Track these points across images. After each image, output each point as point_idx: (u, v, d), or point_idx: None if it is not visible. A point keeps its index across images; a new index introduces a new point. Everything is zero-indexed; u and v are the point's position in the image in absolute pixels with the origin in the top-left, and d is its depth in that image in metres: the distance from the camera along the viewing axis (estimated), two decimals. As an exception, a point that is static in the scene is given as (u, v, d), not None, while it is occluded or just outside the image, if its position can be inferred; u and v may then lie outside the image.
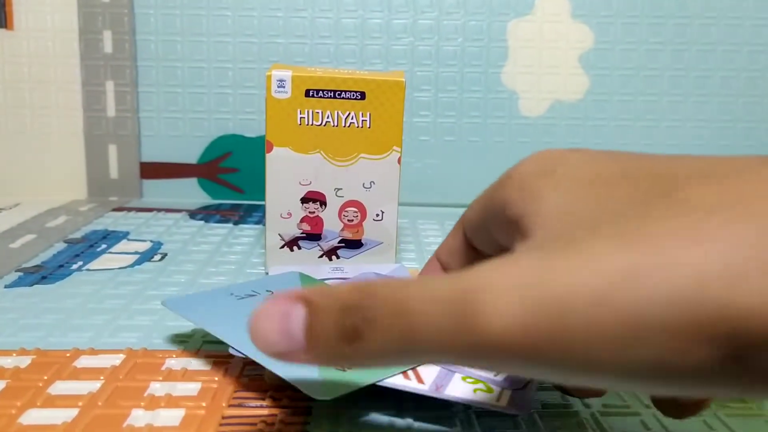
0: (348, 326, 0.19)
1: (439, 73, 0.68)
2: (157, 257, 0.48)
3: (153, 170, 0.68)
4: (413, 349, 0.19)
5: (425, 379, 0.29)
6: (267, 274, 0.45)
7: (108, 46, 0.66)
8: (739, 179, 0.17)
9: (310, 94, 0.43)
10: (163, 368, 0.32)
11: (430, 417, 0.28)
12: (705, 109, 0.69)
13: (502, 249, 0.24)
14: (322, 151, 0.44)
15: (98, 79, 0.66)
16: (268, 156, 0.44)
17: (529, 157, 0.23)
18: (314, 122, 0.44)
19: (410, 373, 0.30)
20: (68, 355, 0.33)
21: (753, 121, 0.69)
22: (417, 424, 0.28)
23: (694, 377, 0.16)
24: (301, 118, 0.44)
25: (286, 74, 0.43)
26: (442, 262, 0.30)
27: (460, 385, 0.29)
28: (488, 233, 0.26)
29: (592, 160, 0.21)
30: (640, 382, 0.16)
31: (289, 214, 0.45)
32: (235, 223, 0.58)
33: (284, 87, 0.43)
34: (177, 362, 0.33)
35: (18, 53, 0.65)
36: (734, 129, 0.69)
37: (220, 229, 0.56)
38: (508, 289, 0.17)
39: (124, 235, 0.53)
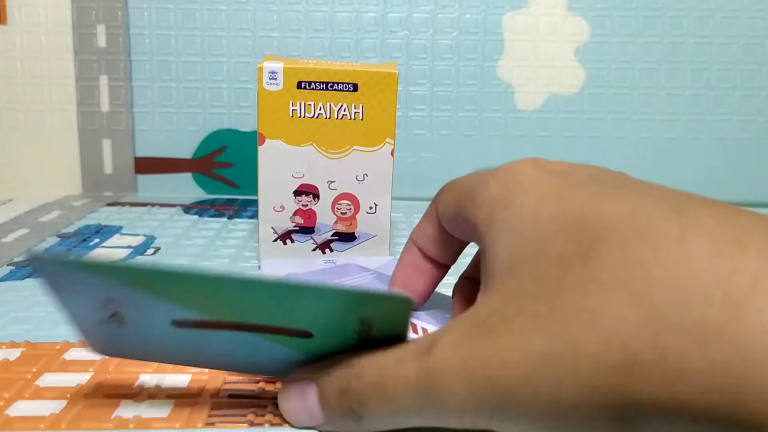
0: (348, 409, 0.23)
1: (435, 67, 0.67)
2: (149, 251, 0.48)
3: (147, 165, 0.68)
4: (401, 422, 0.22)
5: None
6: (260, 267, 0.45)
7: (102, 41, 0.66)
8: (650, 242, 0.19)
9: (302, 86, 0.43)
10: (153, 360, 0.32)
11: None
12: (701, 101, 0.69)
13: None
14: (314, 144, 0.44)
15: (92, 74, 0.66)
16: (260, 148, 0.44)
17: (497, 174, 0.25)
18: (306, 114, 0.43)
19: None
20: (58, 347, 0.33)
21: (749, 114, 0.69)
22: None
23: None
24: (293, 110, 0.43)
25: (278, 66, 0.43)
26: (420, 248, 0.31)
27: None
28: (462, 230, 0.28)
29: (543, 196, 0.23)
30: None
31: (282, 207, 0.45)
32: (230, 218, 0.58)
33: (276, 79, 0.43)
34: (167, 354, 0.32)
35: (11, 48, 0.65)
36: (730, 122, 0.69)
37: (214, 224, 0.56)
38: (459, 369, 0.20)
39: (117, 230, 0.53)
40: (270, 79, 0.43)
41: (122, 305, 0.23)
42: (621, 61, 0.68)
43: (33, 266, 0.24)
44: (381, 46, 0.67)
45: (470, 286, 0.31)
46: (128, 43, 0.66)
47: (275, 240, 0.45)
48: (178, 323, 0.24)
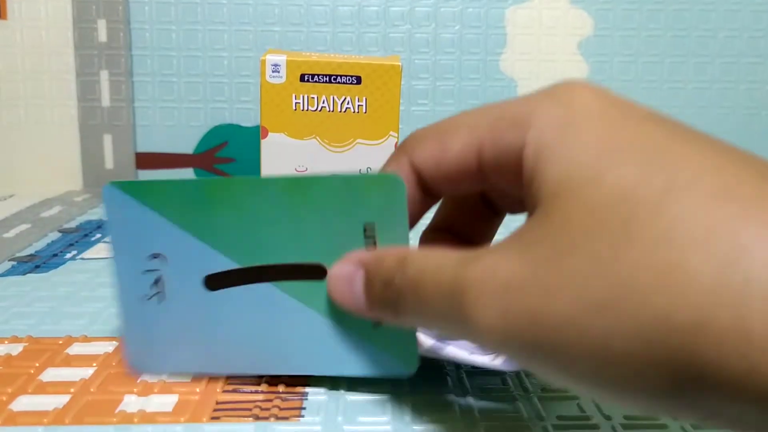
0: (388, 301, 0.23)
1: (437, 61, 0.67)
2: (152, 246, 0.48)
3: (148, 160, 0.67)
4: (432, 325, 0.23)
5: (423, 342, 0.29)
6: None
7: (102, 36, 0.65)
8: (738, 201, 0.17)
9: (305, 78, 0.43)
10: (157, 355, 0.32)
11: (423, 378, 0.28)
12: (705, 95, 0.68)
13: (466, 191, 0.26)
14: (317, 137, 0.44)
15: (92, 69, 0.66)
16: (263, 142, 0.43)
17: (553, 95, 0.21)
18: (309, 107, 0.43)
19: None
20: (61, 342, 0.33)
21: (754, 108, 0.69)
22: (411, 389, 0.28)
23: (653, 403, 0.17)
24: (296, 103, 0.43)
25: (281, 59, 0.43)
26: None
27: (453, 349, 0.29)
28: (473, 178, 0.24)
29: (613, 122, 0.20)
30: (609, 396, 0.18)
31: (285, 201, 0.44)
32: (232, 213, 0.58)
33: (279, 72, 0.43)
34: (171, 349, 0.32)
35: (11, 43, 0.65)
36: (735, 115, 0.69)
37: (217, 219, 0.56)
38: (494, 294, 0.19)
39: (119, 225, 0.53)
40: (273, 71, 0.43)
41: (165, 262, 0.27)
42: (624, 54, 0.68)
43: (105, 195, 0.26)
44: (383, 40, 0.67)
45: (439, 238, 0.29)
46: (129, 38, 0.66)
47: (278, 234, 0.45)
48: (211, 281, 0.27)
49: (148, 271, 0.27)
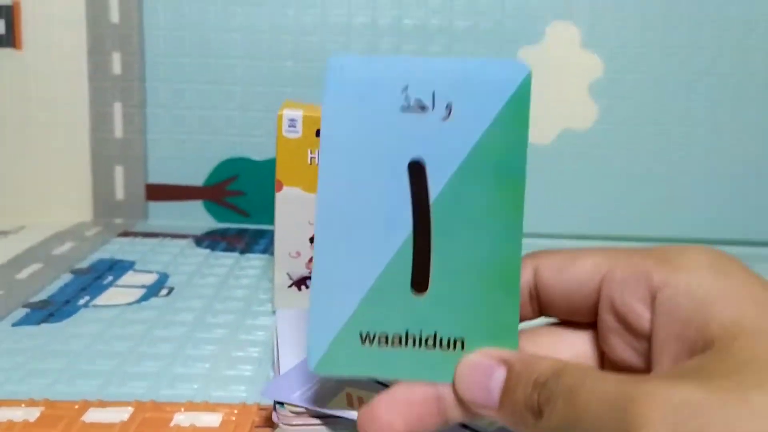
0: (534, 402, 0.22)
1: (448, 100, 0.67)
2: (163, 292, 0.48)
3: (159, 192, 0.68)
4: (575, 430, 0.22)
5: None
6: (274, 312, 0.45)
7: (117, 67, 0.66)
8: None
9: (322, 134, 0.43)
10: (172, 424, 0.32)
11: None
12: (714, 139, 0.69)
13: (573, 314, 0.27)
14: (332, 192, 0.44)
15: (106, 100, 0.66)
16: (277, 195, 0.44)
17: (696, 248, 0.24)
18: (325, 163, 0.43)
19: None
20: (77, 407, 0.33)
21: (763, 154, 0.69)
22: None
23: None
24: (311, 158, 0.43)
25: (297, 114, 0.43)
26: None
27: None
28: (588, 296, 0.26)
29: (756, 280, 0.23)
30: None
31: (298, 254, 0.45)
32: (242, 252, 0.58)
33: (295, 126, 0.43)
34: (185, 417, 0.33)
35: (26, 73, 0.65)
36: (744, 161, 0.69)
37: (227, 259, 0.56)
38: (668, 413, 0.19)
39: (131, 266, 0.53)
40: (289, 126, 0.43)
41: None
42: (634, 97, 0.68)
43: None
44: (395, 78, 0.67)
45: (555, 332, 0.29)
46: (143, 70, 0.66)
47: (290, 286, 0.45)
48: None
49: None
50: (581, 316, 0.27)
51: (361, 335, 0.26)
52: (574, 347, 0.27)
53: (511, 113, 0.26)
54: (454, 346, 0.26)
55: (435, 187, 0.26)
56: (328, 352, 0.26)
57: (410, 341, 0.26)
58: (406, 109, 0.26)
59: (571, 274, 0.26)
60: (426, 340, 0.26)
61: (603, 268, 0.25)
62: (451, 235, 0.26)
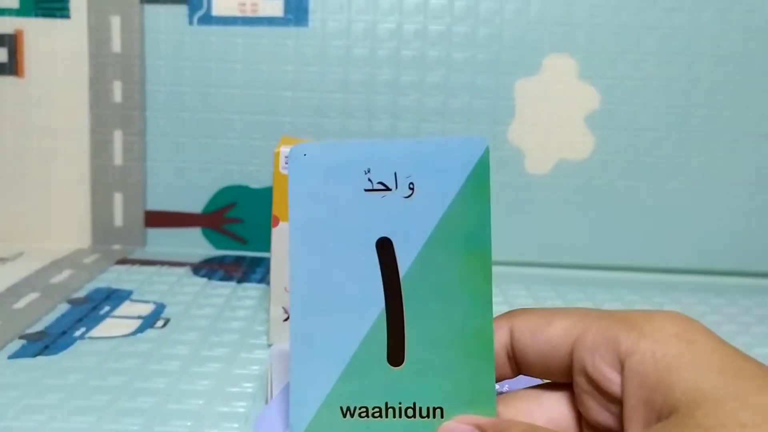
0: None
1: (447, 129, 0.68)
2: (159, 323, 0.48)
3: (158, 219, 0.68)
4: None
5: None
6: (270, 346, 0.45)
7: (118, 96, 0.66)
8: None
9: (318, 171, 0.44)
10: (165, 464, 0.32)
11: None
12: (710, 170, 0.69)
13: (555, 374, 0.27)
14: (328, 227, 0.44)
15: (106, 128, 0.67)
16: (274, 230, 0.44)
17: (663, 314, 0.25)
18: (321, 198, 0.44)
19: None
20: (70, 445, 0.33)
21: (758, 185, 0.69)
22: None
23: None
24: (308, 193, 0.44)
25: (295, 150, 0.43)
26: None
27: None
28: (562, 359, 0.27)
29: (723, 349, 0.24)
30: None
31: (294, 288, 0.45)
32: (239, 281, 0.58)
33: (292, 162, 0.44)
34: (178, 456, 0.33)
35: (27, 100, 0.66)
36: (741, 191, 0.69)
37: (224, 288, 0.56)
38: None
39: (128, 295, 0.54)
40: (286, 163, 0.44)
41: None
42: (631, 129, 0.69)
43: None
44: (393, 107, 0.68)
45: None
46: (144, 99, 0.67)
47: (286, 320, 0.45)
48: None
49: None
50: (558, 377, 0.27)
51: (341, 409, 0.27)
52: (550, 410, 0.28)
53: (472, 187, 0.27)
54: (434, 415, 0.27)
55: (404, 263, 0.27)
56: (311, 426, 0.27)
57: (390, 412, 0.27)
58: (370, 190, 0.27)
59: (545, 337, 0.27)
60: (406, 411, 0.27)
61: (575, 332, 0.26)
62: (422, 307, 0.27)
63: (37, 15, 0.65)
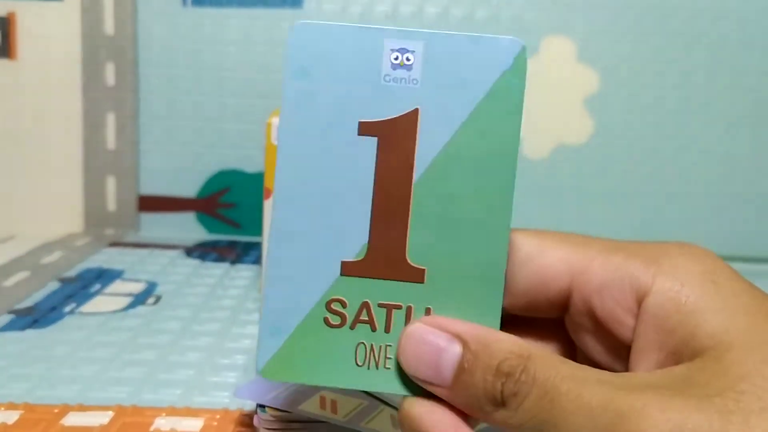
0: (498, 392, 0.20)
1: (442, 113, 0.67)
2: (151, 300, 0.48)
3: (151, 203, 0.67)
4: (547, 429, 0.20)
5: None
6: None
7: (110, 78, 0.65)
8: None
9: (311, 141, 0.43)
10: (152, 429, 0.31)
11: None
12: (709, 154, 0.68)
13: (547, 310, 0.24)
14: (321, 199, 0.44)
15: (99, 111, 0.66)
16: (266, 203, 0.43)
17: (681, 248, 0.23)
18: (314, 170, 0.43)
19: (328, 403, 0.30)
20: (56, 411, 0.32)
21: (760, 169, 0.69)
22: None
23: None
24: (301, 165, 0.43)
25: (288, 121, 0.43)
26: None
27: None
28: (555, 295, 0.24)
29: (749, 289, 0.22)
30: None
31: (287, 262, 0.44)
32: (232, 263, 0.57)
33: (285, 133, 0.43)
34: (166, 422, 0.32)
35: (19, 83, 0.65)
36: (740, 176, 0.69)
37: (216, 269, 0.55)
38: None
39: (119, 274, 0.53)
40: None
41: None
42: (630, 111, 0.68)
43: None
44: (389, 91, 0.67)
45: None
46: (137, 81, 0.66)
47: (278, 294, 0.45)
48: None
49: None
50: (544, 313, 0.25)
51: (326, 320, 0.23)
52: (540, 340, 0.26)
53: (502, 92, 0.23)
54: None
55: (417, 169, 0.23)
56: (294, 336, 0.23)
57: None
58: (388, 80, 0.23)
59: (535, 267, 0.24)
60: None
61: (574, 264, 0.23)
62: (431, 215, 0.23)
63: (29, -3, 0.65)
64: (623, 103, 0.68)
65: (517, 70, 0.23)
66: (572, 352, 0.26)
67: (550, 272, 0.24)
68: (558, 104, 0.68)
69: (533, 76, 0.67)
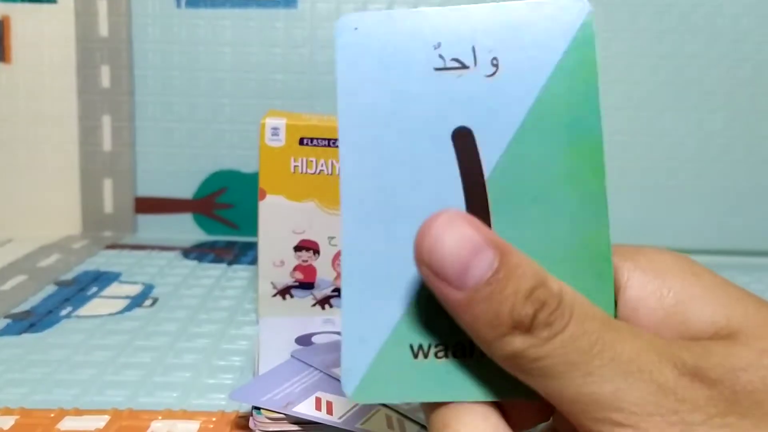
0: (525, 315, 0.18)
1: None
2: (147, 302, 0.48)
3: (148, 205, 0.68)
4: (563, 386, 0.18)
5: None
6: (258, 323, 0.45)
7: (106, 81, 0.66)
8: None
9: (304, 142, 0.43)
10: (148, 432, 0.32)
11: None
12: (705, 149, 0.68)
13: None
14: (315, 200, 0.44)
15: (95, 113, 0.66)
16: (261, 204, 0.43)
17: (653, 249, 0.23)
18: (308, 170, 0.43)
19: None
20: (52, 415, 0.33)
21: (754, 162, 0.69)
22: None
23: None
24: (294, 166, 0.43)
25: (280, 122, 0.43)
26: None
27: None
28: None
29: (723, 278, 0.22)
30: None
31: (282, 263, 0.44)
32: (229, 264, 0.58)
33: (278, 135, 0.43)
34: (162, 425, 0.32)
35: (15, 86, 0.65)
36: (737, 170, 0.69)
37: (213, 270, 0.56)
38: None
39: (116, 277, 0.53)
40: (272, 135, 0.43)
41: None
42: (625, 108, 0.68)
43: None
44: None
45: None
46: (132, 84, 0.66)
47: (274, 295, 0.45)
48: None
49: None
50: None
51: (411, 348, 0.21)
52: None
53: (574, 61, 0.21)
54: None
55: (489, 158, 0.21)
56: (373, 370, 0.20)
57: (474, 350, 0.20)
58: (441, 69, 0.21)
59: None
60: None
61: None
62: (515, 214, 0.21)
63: (23, 0, 0.65)
64: (618, 99, 0.68)
65: (586, 34, 0.21)
66: None
67: None
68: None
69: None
